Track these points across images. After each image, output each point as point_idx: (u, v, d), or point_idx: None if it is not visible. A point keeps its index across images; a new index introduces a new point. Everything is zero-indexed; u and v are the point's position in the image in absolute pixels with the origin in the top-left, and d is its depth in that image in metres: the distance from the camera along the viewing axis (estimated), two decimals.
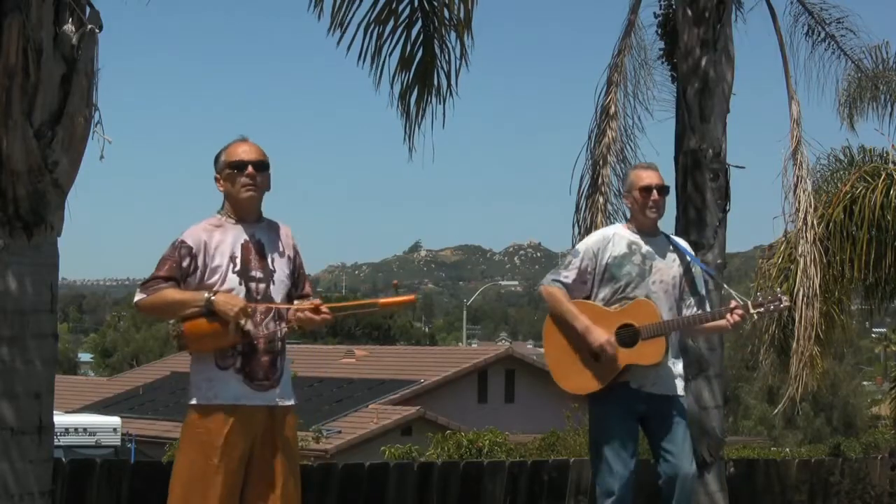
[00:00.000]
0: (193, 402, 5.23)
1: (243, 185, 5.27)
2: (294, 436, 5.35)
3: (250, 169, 5.26)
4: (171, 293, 5.18)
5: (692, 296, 6.50)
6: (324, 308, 5.21)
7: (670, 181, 8.69)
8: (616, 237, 6.49)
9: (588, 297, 6.46)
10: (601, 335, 6.28)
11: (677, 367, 6.49)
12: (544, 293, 6.53)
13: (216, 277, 5.22)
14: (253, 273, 5.25)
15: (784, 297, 6.47)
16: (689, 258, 6.55)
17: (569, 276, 6.47)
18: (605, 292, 6.42)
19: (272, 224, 5.41)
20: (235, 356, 5.19)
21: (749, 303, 6.42)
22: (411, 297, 5.51)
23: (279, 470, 5.21)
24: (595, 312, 6.38)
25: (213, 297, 5.13)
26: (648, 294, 6.36)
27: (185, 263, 5.21)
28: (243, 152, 5.30)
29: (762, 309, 6.43)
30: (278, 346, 5.27)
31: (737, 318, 6.35)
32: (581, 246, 6.61)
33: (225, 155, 5.33)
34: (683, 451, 6.39)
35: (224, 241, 5.25)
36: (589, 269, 6.45)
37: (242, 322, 5.08)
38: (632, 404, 6.37)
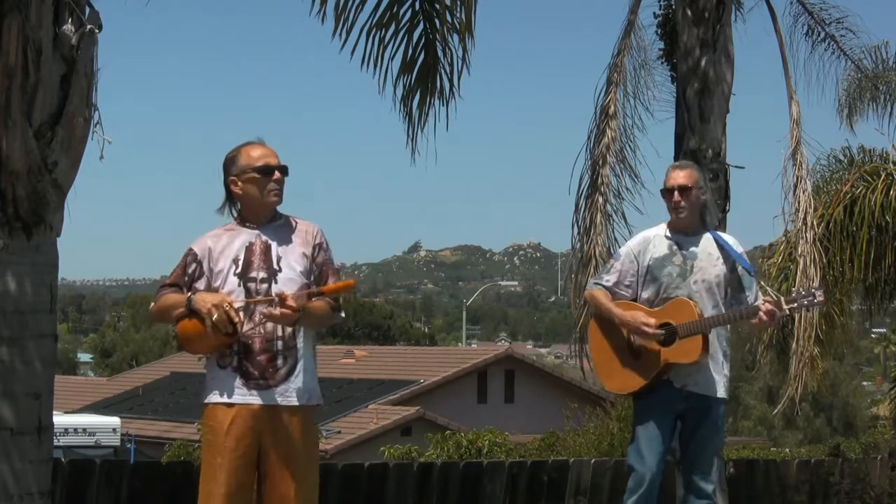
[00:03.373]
0: (203, 401, 5.31)
1: (271, 190, 5.27)
2: (304, 436, 5.24)
3: (277, 174, 5.28)
4: (170, 297, 5.28)
5: (739, 294, 6.47)
6: (289, 300, 5.08)
7: None
8: (657, 238, 6.52)
9: (634, 300, 6.50)
10: (638, 315, 6.33)
11: (724, 367, 6.47)
12: (587, 296, 6.67)
13: (219, 281, 5.26)
14: (253, 274, 5.24)
15: (819, 293, 6.32)
16: (733, 257, 6.51)
17: (610, 279, 6.54)
18: (648, 293, 6.46)
19: (289, 221, 5.38)
20: (232, 355, 5.21)
21: (782, 299, 6.38)
22: (350, 281, 5.49)
23: (285, 470, 5.18)
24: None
25: (192, 296, 5.17)
26: (690, 294, 6.37)
27: (189, 270, 5.30)
28: (268, 156, 5.30)
29: (795, 304, 6.33)
30: (277, 345, 5.20)
31: (768, 309, 6.22)
32: (623, 249, 6.70)
33: (245, 158, 5.31)
34: (711, 465, 6.42)
35: (230, 245, 5.29)
36: (631, 272, 6.50)
37: (215, 317, 5.04)
38: (672, 402, 6.40)
